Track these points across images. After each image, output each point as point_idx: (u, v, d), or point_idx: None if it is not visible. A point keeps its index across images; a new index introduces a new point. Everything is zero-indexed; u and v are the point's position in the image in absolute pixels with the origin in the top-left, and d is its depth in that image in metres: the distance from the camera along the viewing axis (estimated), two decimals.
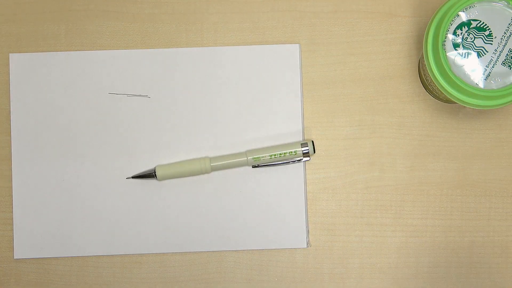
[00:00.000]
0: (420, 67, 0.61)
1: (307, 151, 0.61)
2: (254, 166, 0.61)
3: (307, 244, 0.62)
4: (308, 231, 0.62)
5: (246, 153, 0.61)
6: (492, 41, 0.54)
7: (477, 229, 0.62)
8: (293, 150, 0.61)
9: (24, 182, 0.62)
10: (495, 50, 0.54)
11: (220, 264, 0.62)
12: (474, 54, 0.54)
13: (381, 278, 0.62)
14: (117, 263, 0.62)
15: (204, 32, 0.63)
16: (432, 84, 0.56)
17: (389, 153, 0.62)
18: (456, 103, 0.55)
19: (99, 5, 0.63)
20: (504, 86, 0.53)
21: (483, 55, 0.54)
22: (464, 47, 0.54)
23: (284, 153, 0.60)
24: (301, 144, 0.61)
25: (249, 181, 0.62)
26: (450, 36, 0.54)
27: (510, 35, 0.53)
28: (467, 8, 0.53)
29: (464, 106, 0.56)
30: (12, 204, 0.62)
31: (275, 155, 0.61)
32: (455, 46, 0.54)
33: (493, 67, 0.54)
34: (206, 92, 0.62)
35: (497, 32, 0.54)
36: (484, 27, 0.54)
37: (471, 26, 0.54)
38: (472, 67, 0.54)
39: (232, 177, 0.62)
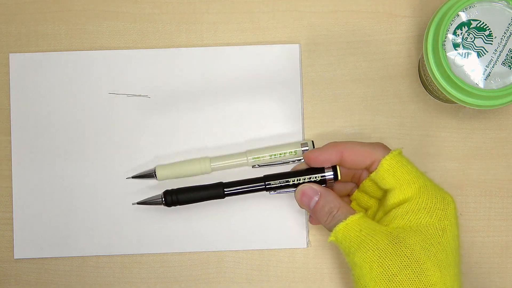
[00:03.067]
0: (420, 67, 0.61)
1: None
2: (253, 166, 0.61)
3: (307, 244, 0.62)
4: (308, 231, 0.62)
5: (246, 153, 0.61)
6: (492, 41, 0.54)
7: (477, 229, 0.62)
8: (293, 150, 0.60)
9: (24, 182, 0.62)
10: (495, 50, 0.54)
11: (220, 264, 0.62)
12: (474, 54, 0.54)
13: None
14: (117, 263, 0.62)
15: (204, 32, 0.63)
16: (432, 84, 0.56)
17: None
18: (456, 103, 0.55)
19: (99, 5, 0.63)
20: (504, 86, 0.53)
21: (483, 55, 0.54)
22: (464, 47, 0.54)
23: (284, 153, 0.60)
24: (301, 144, 0.61)
25: None
26: (450, 36, 0.54)
27: (510, 35, 0.53)
28: (467, 8, 0.53)
29: (464, 106, 0.56)
30: (12, 204, 0.62)
31: (275, 155, 0.61)
32: (455, 46, 0.54)
33: (493, 67, 0.53)
34: (206, 92, 0.62)
35: (497, 32, 0.53)
36: (484, 27, 0.54)
37: (471, 26, 0.54)
38: (472, 67, 0.54)
39: (232, 177, 0.62)
